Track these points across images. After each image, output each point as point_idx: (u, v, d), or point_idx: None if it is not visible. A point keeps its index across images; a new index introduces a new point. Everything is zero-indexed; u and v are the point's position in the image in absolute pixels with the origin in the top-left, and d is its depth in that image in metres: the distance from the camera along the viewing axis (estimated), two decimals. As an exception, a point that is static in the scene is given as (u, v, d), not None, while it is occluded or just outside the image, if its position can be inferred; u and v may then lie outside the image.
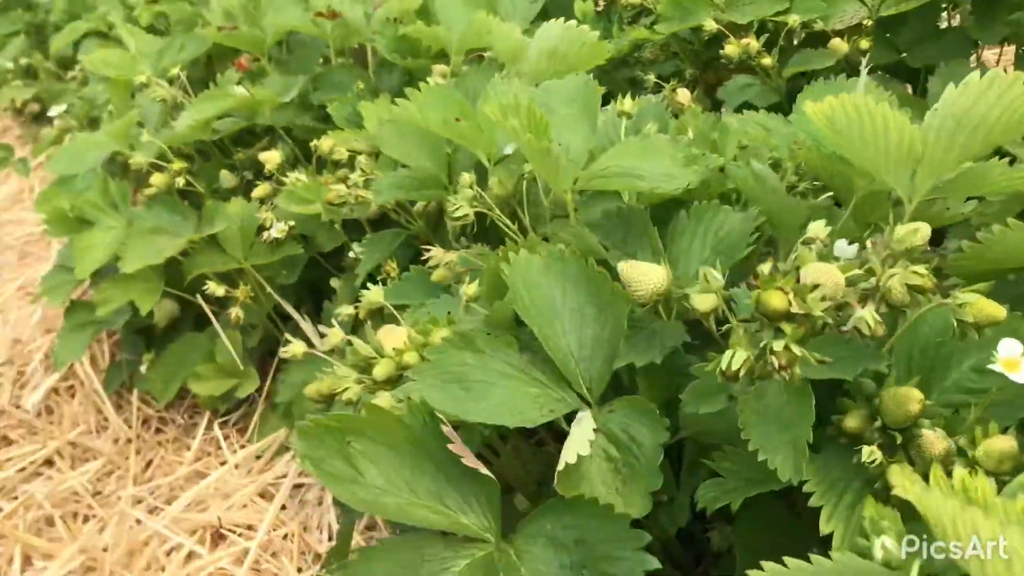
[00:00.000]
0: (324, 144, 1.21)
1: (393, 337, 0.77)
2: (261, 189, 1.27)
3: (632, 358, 0.61)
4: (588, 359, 0.61)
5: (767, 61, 1.23)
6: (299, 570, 1.12)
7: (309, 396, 0.77)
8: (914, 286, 0.55)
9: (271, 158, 1.23)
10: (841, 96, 0.63)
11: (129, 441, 1.42)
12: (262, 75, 1.53)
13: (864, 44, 1.20)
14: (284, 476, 1.23)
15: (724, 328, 0.57)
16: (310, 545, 1.14)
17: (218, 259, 1.26)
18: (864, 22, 1.24)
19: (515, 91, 0.85)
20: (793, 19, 1.23)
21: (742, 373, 0.49)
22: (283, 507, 1.19)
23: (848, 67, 1.18)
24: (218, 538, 1.20)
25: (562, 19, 1.07)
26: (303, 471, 1.20)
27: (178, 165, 1.34)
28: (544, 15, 1.24)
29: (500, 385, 0.62)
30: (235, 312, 1.24)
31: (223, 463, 1.31)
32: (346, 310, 0.98)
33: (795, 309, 0.51)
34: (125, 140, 1.48)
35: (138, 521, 1.25)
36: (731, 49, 1.22)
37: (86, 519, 1.28)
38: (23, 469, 1.38)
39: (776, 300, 0.51)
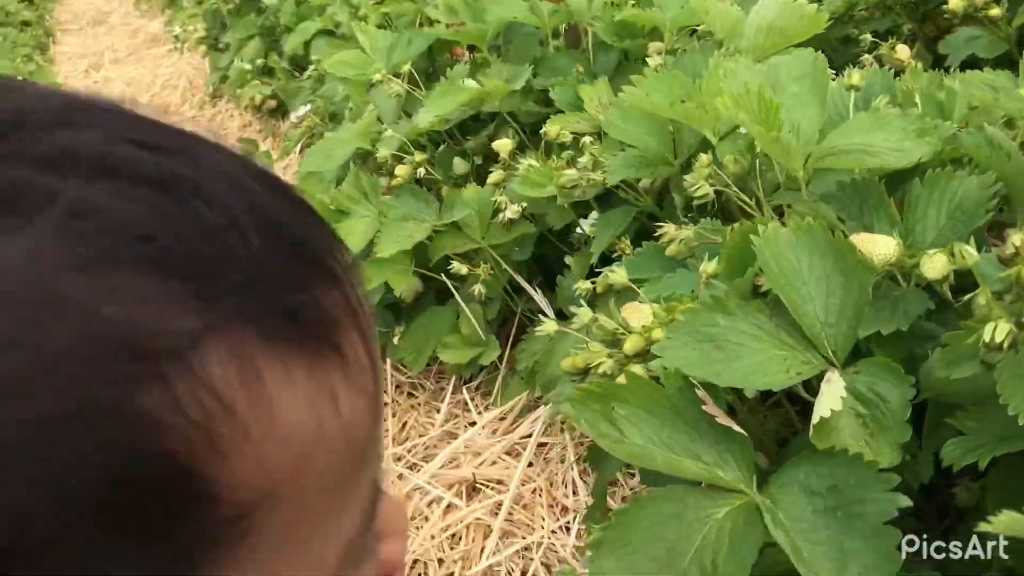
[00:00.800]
0: (551, 129, 1.31)
1: (639, 313, 0.85)
2: (496, 175, 1.38)
3: (878, 326, 0.66)
4: (834, 324, 0.66)
5: (995, 12, 1.20)
6: (547, 520, 1.24)
7: (565, 369, 0.87)
8: None
9: (504, 146, 1.34)
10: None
11: (386, 405, 1.59)
12: (484, 65, 1.64)
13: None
14: (529, 436, 1.35)
15: (966, 297, 0.61)
16: (556, 499, 1.25)
17: (460, 241, 1.40)
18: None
19: (742, 74, 0.90)
20: (1025, -35, 1.19)
21: (1006, 345, 0.53)
22: (529, 464, 1.31)
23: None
24: (472, 492, 1.34)
25: (779, -8, 1.10)
26: (547, 431, 1.32)
27: (419, 157, 1.49)
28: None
29: (750, 347, 0.68)
30: (477, 288, 1.37)
31: (471, 424, 1.45)
32: (583, 285, 1.07)
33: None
34: (367, 136, 1.65)
35: (400, 476, 1.41)
36: (955, 3, 1.20)
37: (357, 474, 1.46)
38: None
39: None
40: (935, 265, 0.65)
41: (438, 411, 1.52)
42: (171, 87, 3.98)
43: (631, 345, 0.81)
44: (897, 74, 1.06)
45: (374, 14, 2.08)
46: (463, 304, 1.43)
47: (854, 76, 0.90)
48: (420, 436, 1.50)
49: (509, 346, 1.47)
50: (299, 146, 2.22)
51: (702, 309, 0.71)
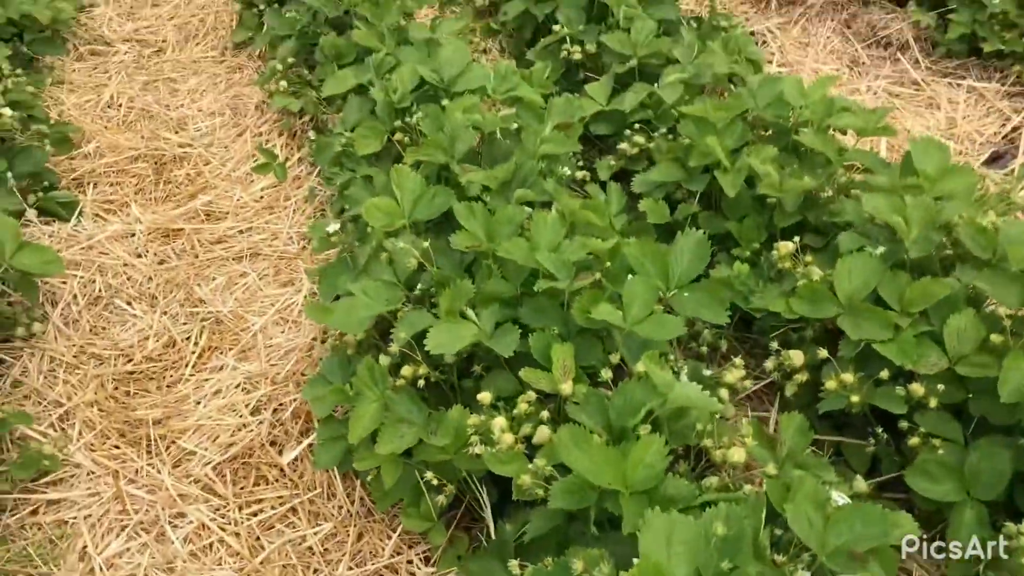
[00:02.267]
0: (521, 406, 1.77)
1: None
2: (474, 420, 1.84)
3: None
4: None
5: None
6: None
7: None
8: None
9: (485, 398, 1.81)
10: None
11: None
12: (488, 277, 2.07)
13: None
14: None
15: None
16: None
17: (437, 454, 1.87)
18: None
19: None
20: None
21: None
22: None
23: None
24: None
25: None
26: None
27: (423, 370, 1.93)
28: None
29: None
30: (441, 498, 1.86)
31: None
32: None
33: None
34: (384, 302, 2.07)
35: None
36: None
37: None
38: (284, 530, 2.07)
39: None
40: None
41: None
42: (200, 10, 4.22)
43: None
44: None
45: (411, 157, 2.44)
46: (427, 495, 1.91)
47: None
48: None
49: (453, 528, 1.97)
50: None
51: None
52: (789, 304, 2.08)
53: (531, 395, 1.85)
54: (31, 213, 3.00)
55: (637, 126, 2.76)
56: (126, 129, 3.51)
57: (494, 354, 1.94)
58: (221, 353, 2.59)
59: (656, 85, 2.79)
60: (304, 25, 3.40)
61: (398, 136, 2.74)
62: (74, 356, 2.57)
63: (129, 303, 2.75)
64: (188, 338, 2.64)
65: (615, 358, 1.93)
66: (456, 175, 2.42)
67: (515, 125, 2.57)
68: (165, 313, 2.72)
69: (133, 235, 3.01)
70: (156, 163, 3.32)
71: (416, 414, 1.93)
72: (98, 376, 2.50)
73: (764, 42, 3.86)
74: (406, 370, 1.97)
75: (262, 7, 3.80)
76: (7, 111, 2.99)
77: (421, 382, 1.95)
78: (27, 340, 2.59)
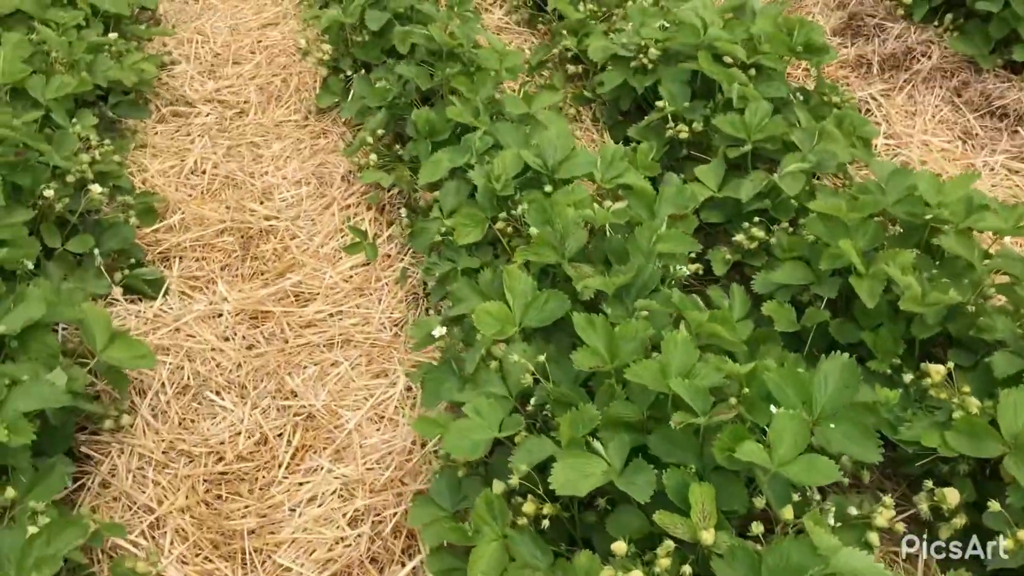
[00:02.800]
0: (663, 559, 1.61)
1: None
2: (607, 572, 1.68)
3: None
4: None
5: None
6: None
7: None
8: None
9: (619, 548, 1.65)
10: None
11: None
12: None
13: None
14: None
15: None
16: None
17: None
18: None
19: None
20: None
21: None
22: None
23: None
24: None
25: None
26: None
27: (548, 508, 1.78)
28: None
29: None
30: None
31: None
32: None
33: None
34: (499, 425, 1.93)
35: None
36: None
37: None
38: None
39: None
40: None
41: None
42: (277, 49, 4.19)
43: None
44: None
45: (520, 257, 2.31)
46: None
47: None
48: None
49: None
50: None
51: None
52: (945, 439, 1.89)
53: (670, 545, 1.69)
54: (117, 291, 2.92)
55: (756, 219, 2.60)
56: (211, 198, 3.43)
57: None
58: (315, 453, 2.47)
59: (776, 175, 2.62)
60: (395, 96, 3.30)
61: (500, 225, 2.62)
62: (163, 453, 2.47)
63: (218, 393, 2.65)
64: (281, 435, 2.52)
65: (760, 502, 1.76)
66: (567, 274, 2.28)
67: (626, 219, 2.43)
68: (256, 406, 2.61)
69: (220, 315, 2.92)
70: (242, 237, 3.24)
71: (540, 558, 1.78)
72: (189, 477, 2.40)
73: (868, 110, 3.68)
74: (528, 507, 1.83)
75: (349, 73, 3.72)
76: (96, 187, 2.93)
77: (545, 522, 1.81)
78: (115, 433, 2.50)
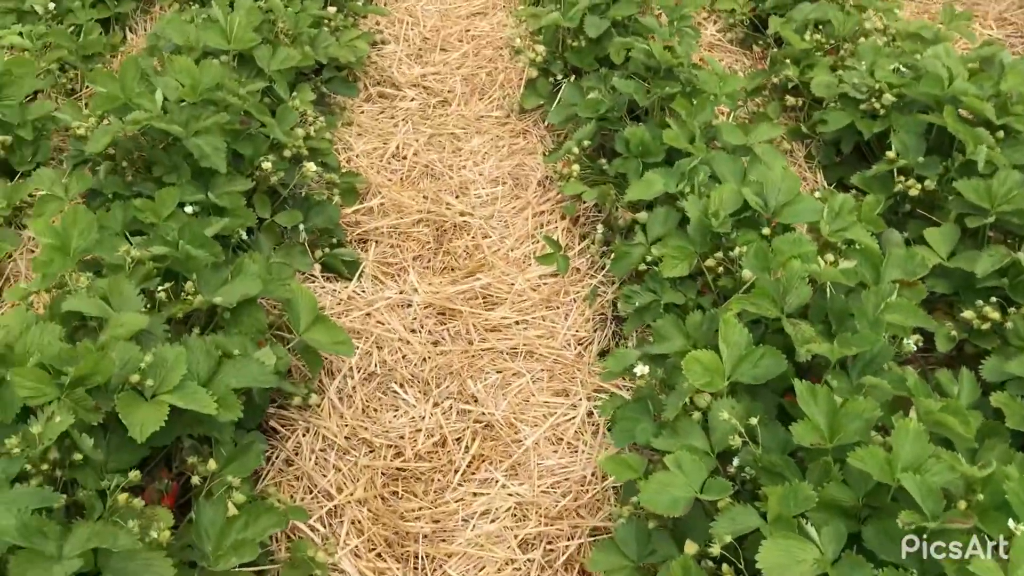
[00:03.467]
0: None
1: None
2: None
3: None
4: None
5: None
6: None
7: None
8: None
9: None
10: None
11: None
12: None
13: None
14: None
15: None
16: None
17: None
18: None
19: None
20: None
21: None
22: None
23: None
24: None
25: None
26: None
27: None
28: None
29: None
30: None
31: None
32: None
33: None
34: (702, 478, 1.85)
35: None
36: None
37: None
38: None
39: None
40: None
41: None
42: (484, 41, 4.21)
43: None
44: None
45: (736, 306, 2.21)
46: None
47: None
48: None
49: None
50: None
51: None
52: None
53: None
54: (315, 267, 2.99)
55: (992, 297, 2.40)
56: (410, 186, 3.47)
57: None
58: (491, 465, 2.46)
59: (1020, 252, 2.42)
60: (607, 109, 3.24)
61: (710, 263, 2.52)
62: (345, 438, 2.51)
63: (402, 385, 2.68)
64: (459, 440, 2.52)
65: (987, 626, 1.62)
66: (784, 330, 2.17)
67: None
68: (437, 405, 2.62)
69: (409, 306, 2.94)
70: (437, 229, 3.26)
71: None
72: (368, 468, 2.42)
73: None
74: (727, 579, 1.75)
75: (559, 76, 3.68)
76: (311, 165, 3.00)
77: (745, 599, 1.72)
78: (302, 411, 2.56)
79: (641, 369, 2.21)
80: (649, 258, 2.62)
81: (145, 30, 4.29)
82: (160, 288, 2.31)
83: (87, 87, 3.83)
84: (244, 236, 2.75)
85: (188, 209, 2.65)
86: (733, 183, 2.65)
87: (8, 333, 2.12)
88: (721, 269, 2.51)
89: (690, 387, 2.08)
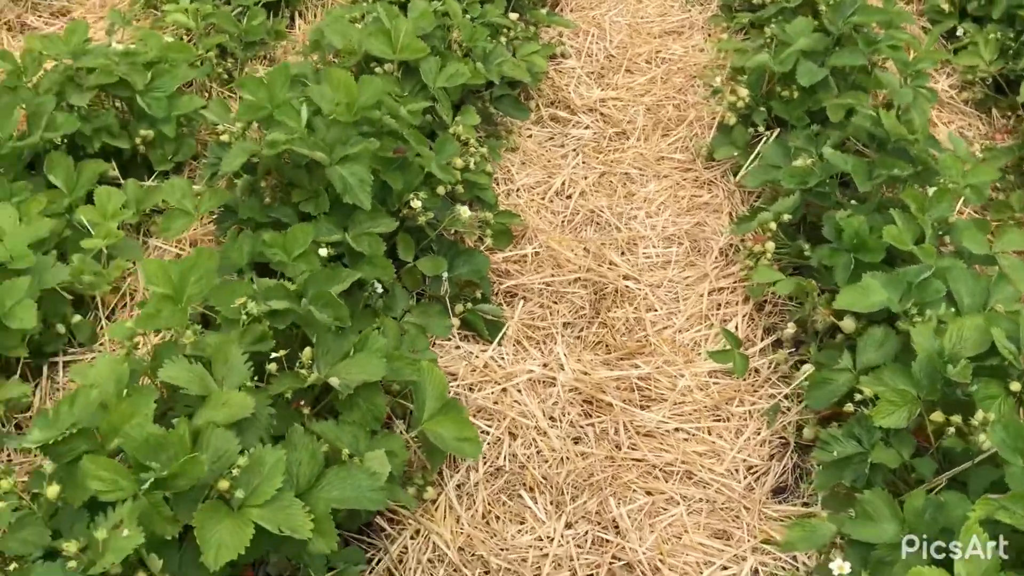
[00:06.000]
0: None
1: None
2: None
3: None
4: None
5: None
6: None
7: None
8: None
9: None
10: None
11: None
12: None
13: None
14: None
15: None
16: None
17: None
18: None
19: None
20: None
21: None
22: None
23: None
24: None
25: None
26: None
27: None
28: None
29: None
30: None
31: None
32: None
33: None
34: None
35: None
36: None
37: None
38: None
39: None
40: None
41: None
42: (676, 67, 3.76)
43: None
44: None
45: (982, 510, 1.69)
46: None
47: None
48: None
49: None
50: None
51: None
52: None
53: None
54: (454, 321, 2.63)
55: None
56: (571, 233, 3.06)
57: None
58: (625, 620, 2.04)
59: None
60: (817, 183, 2.71)
61: (936, 416, 1.99)
62: (459, 550, 2.14)
63: (532, 490, 2.28)
64: (590, 578, 2.11)
65: None
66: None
67: None
68: (570, 527, 2.21)
69: (553, 385, 2.53)
70: (595, 293, 2.83)
71: None
72: (479, 597, 2.05)
73: None
74: None
75: (761, 128, 3.17)
76: (466, 211, 2.63)
77: None
78: (412, 509, 2.20)
79: (840, 566, 1.72)
80: (858, 396, 2.11)
81: (315, 16, 4.02)
82: (271, 359, 1.98)
83: (244, 71, 3.59)
84: (379, 289, 2.41)
85: (323, 252, 2.32)
86: (978, 316, 2.11)
87: (101, 392, 1.85)
88: (952, 431, 1.97)
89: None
